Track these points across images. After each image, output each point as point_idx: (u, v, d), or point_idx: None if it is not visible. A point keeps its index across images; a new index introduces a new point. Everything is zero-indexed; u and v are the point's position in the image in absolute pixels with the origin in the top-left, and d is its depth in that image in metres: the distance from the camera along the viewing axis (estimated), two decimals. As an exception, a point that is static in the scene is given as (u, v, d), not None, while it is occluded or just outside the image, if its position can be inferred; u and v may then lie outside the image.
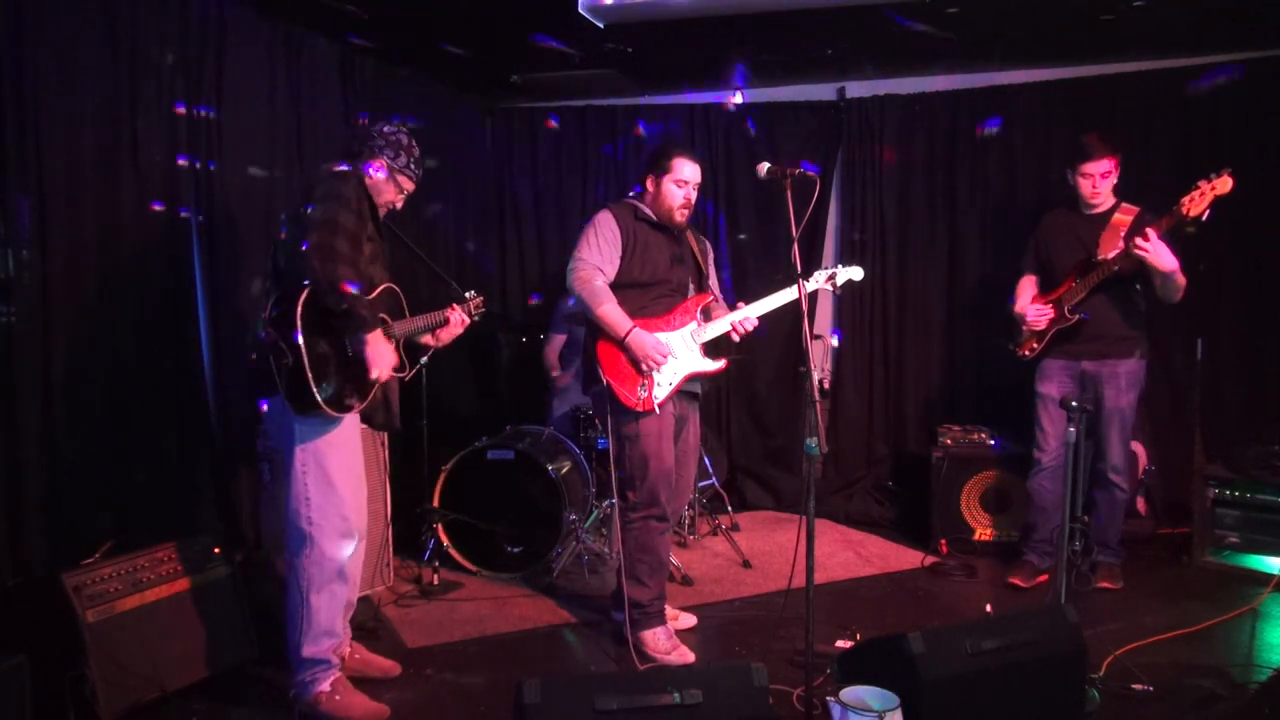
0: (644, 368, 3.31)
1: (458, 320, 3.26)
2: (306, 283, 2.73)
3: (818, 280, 3.50)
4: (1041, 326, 4.02)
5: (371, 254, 3.01)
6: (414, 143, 3.10)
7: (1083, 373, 3.99)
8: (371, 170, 3.03)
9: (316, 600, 2.89)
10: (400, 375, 3.12)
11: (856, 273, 3.56)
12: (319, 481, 2.87)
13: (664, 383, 3.36)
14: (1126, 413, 3.94)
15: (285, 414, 2.82)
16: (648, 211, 3.46)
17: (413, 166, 3.09)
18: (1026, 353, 4.12)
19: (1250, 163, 4.58)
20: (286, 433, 2.87)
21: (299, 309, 2.71)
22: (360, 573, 3.18)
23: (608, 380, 3.33)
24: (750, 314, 3.44)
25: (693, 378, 3.44)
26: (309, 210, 2.78)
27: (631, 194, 3.56)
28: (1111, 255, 3.78)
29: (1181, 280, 3.75)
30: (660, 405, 3.34)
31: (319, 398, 2.73)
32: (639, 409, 3.32)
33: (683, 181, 3.41)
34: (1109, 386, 3.92)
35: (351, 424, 2.98)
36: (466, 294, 3.38)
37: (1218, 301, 4.76)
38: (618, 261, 3.39)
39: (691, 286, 3.55)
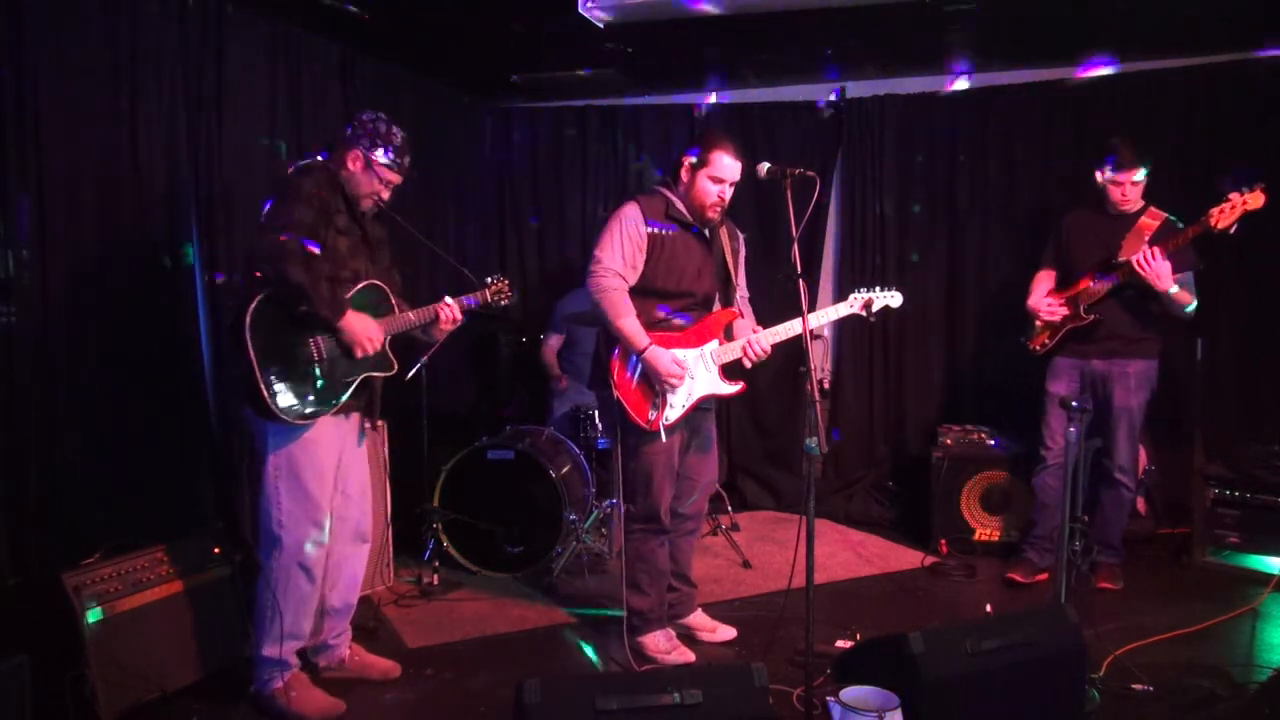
0: (658, 387, 3.17)
1: (448, 316, 3.08)
2: (257, 290, 2.72)
3: (852, 305, 3.29)
4: (1055, 319, 4.02)
5: (350, 248, 2.94)
6: (394, 131, 2.96)
7: (1092, 371, 3.99)
8: (348, 161, 2.92)
9: (285, 603, 2.89)
10: (388, 374, 3.05)
11: (895, 299, 3.29)
12: (291, 486, 2.85)
13: (677, 404, 3.20)
14: (1135, 413, 3.94)
15: (256, 418, 2.80)
16: (680, 208, 3.24)
17: (392, 156, 2.94)
18: (1037, 347, 4.13)
19: (1250, 162, 4.59)
20: (260, 436, 2.86)
21: (248, 317, 2.70)
22: (361, 574, 3.18)
23: (619, 396, 3.18)
24: (765, 341, 3.22)
25: (708, 399, 3.31)
26: (265, 210, 2.78)
27: (658, 183, 3.36)
28: (1134, 259, 3.77)
29: (1185, 300, 3.76)
30: (669, 427, 3.20)
31: (273, 406, 2.71)
32: (648, 429, 3.19)
33: (719, 179, 3.16)
34: (1118, 386, 3.93)
35: (332, 427, 2.92)
36: (487, 279, 3.18)
37: (1218, 301, 4.75)
38: (640, 265, 3.18)
39: (717, 301, 3.37)
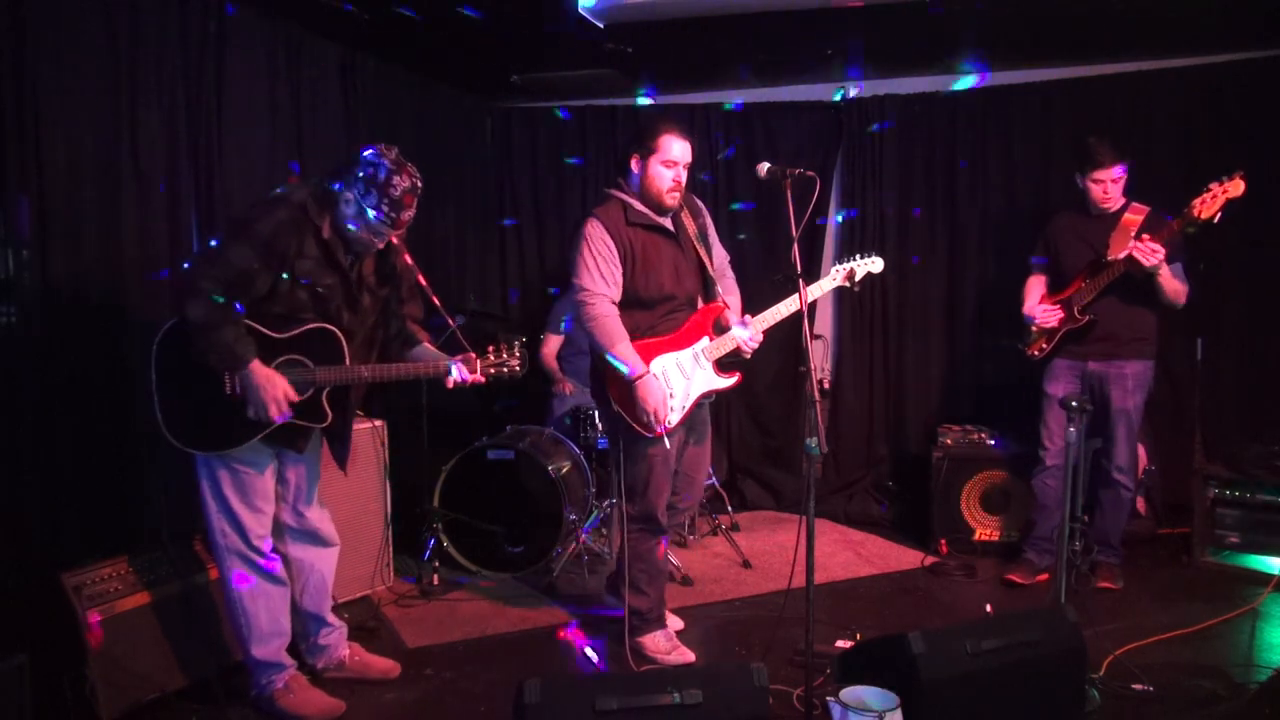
0: (640, 410, 3.11)
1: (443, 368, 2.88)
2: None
3: (835, 277, 3.31)
4: (1051, 325, 4.03)
5: (316, 295, 2.75)
6: (395, 181, 2.65)
7: (1089, 373, 4.00)
8: (341, 202, 2.72)
9: (253, 606, 2.89)
10: (319, 425, 2.85)
11: (876, 264, 3.33)
12: (222, 507, 2.83)
13: (676, 407, 3.22)
14: (1133, 414, 3.95)
15: None
16: (640, 209, 3.21)
17: (385, 208, 2.65)
18: (1035, 353, 4.14)
19: (1250, 162, 4.58)
20: (194, 456, 2.83)
21: (157, 338, 2.69)
22: (330, 576, 3.15)
23: (618, 409, 3.19)
24: (757, 329, 3.25)
25: (707, 395, 3.32)
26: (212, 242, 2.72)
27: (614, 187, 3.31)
28: (1121, 255, 3.79)
29: (1177, 287, 3.81)
30: (671, 430, 3.21)
31: (165, 433, 2.70)
32: (650, 435, 3.19)
33: (671, 162, 3.13)
34: (1115, 387, 3.94)
35: (268, 453, 2.86)
36: (491, 348, 2.92)
37: (1218, 301, 4.75)
38: (620, 277, 3.17)
39: (700, 297, 3.37)
